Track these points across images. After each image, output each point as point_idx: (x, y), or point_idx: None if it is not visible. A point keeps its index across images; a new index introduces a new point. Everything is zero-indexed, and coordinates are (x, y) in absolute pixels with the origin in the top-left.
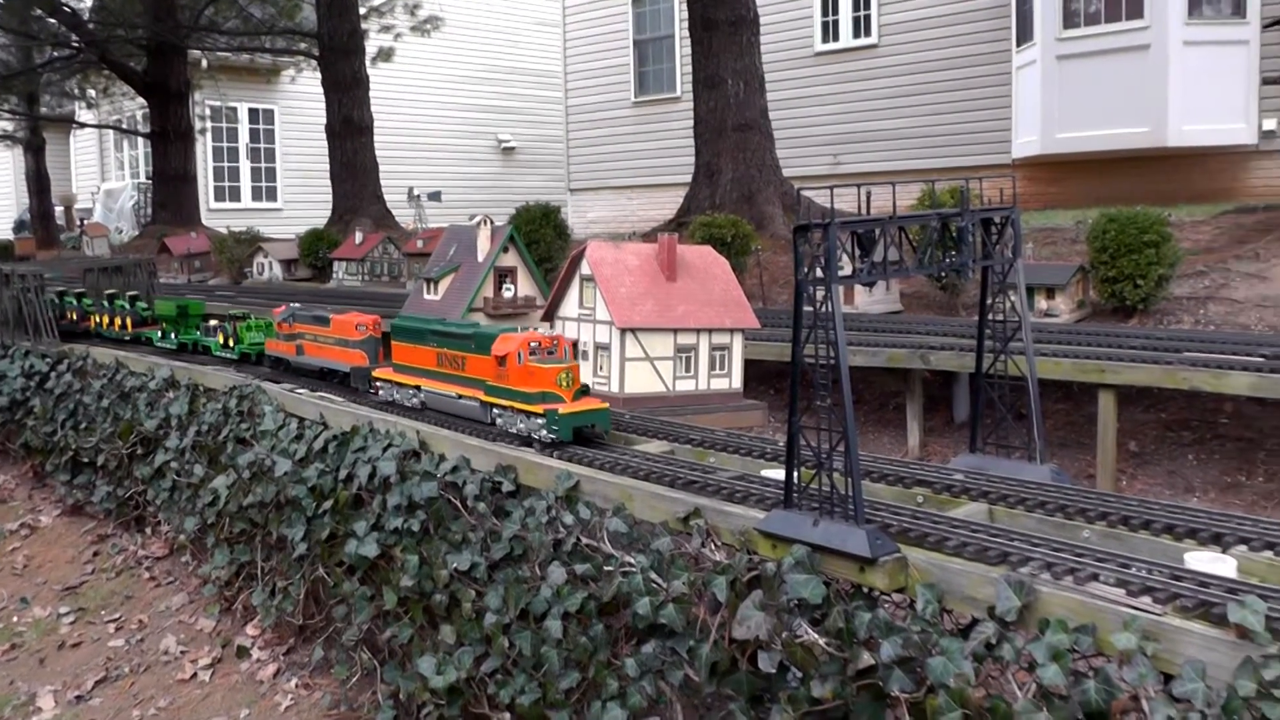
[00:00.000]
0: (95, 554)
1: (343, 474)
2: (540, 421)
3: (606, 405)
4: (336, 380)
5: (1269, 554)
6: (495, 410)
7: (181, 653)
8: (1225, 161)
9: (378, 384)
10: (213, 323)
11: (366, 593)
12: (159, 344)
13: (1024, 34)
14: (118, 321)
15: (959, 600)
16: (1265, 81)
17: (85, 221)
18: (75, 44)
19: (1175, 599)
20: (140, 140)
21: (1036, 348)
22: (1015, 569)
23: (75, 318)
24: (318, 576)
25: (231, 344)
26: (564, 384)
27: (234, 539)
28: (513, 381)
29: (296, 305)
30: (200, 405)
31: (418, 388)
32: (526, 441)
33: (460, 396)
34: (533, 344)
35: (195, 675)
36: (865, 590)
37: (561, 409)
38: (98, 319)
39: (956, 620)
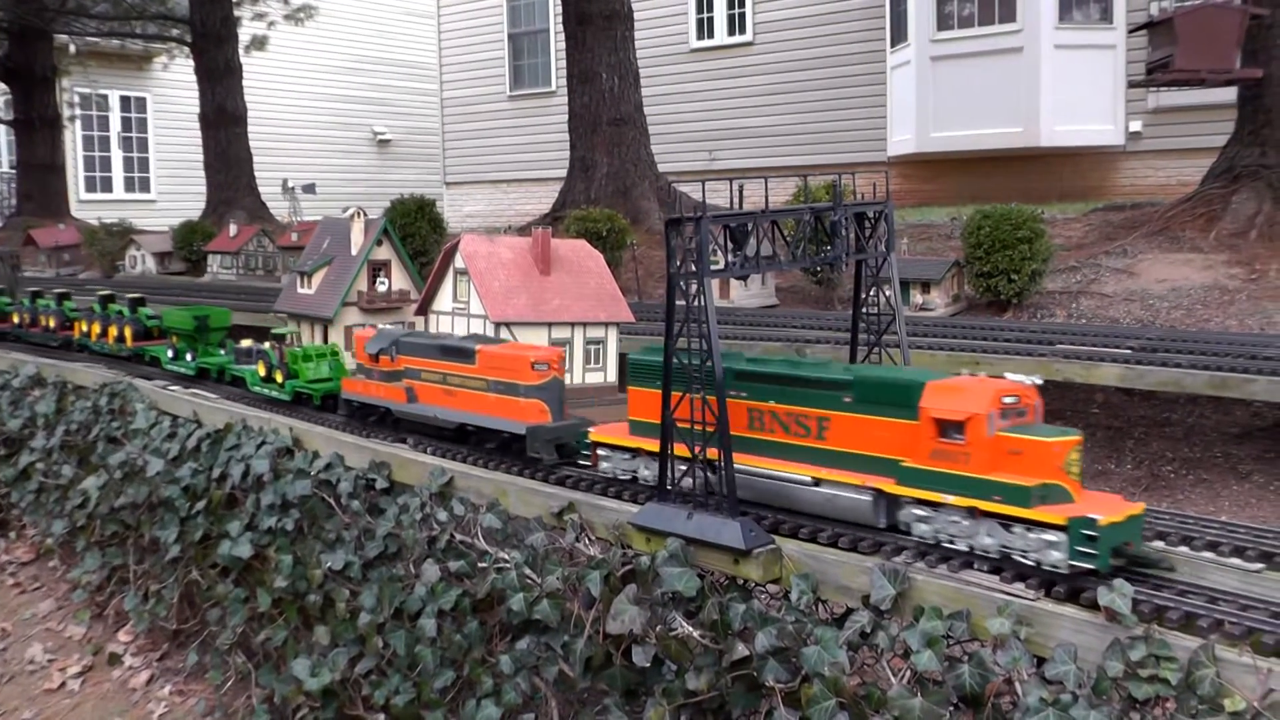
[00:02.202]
0: None
1: (216, 473)
2: (1054, 538)
3: (1142, 508)
4: (492, 445)
5: None
6: (919, 512)
7: (49, 661)
8: (1095, 161)
9: (599, 451)
10: (246, 344)
11: (241, 594)
12: (170, 366)
13: (898, 35)
14: (112, 332)
15: (834, 590)
16: (1131, 84)
17: None
18: None
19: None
20: (3, 128)
21: (913, 340)
22: (890, 558)
23: (51, 324)
24: (192, 579)
25: (280, 379)
26: (1073, 471)
27: (105, 542)
28: (975, 465)
29: (392, 328)
30: (69, 403)
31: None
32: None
33: (819, 482)
34: (1005, 399)
35: (64, 684)
36: (740, 582)
37: (1101, 518)
38: (85, 327)
39: (831, 610)
